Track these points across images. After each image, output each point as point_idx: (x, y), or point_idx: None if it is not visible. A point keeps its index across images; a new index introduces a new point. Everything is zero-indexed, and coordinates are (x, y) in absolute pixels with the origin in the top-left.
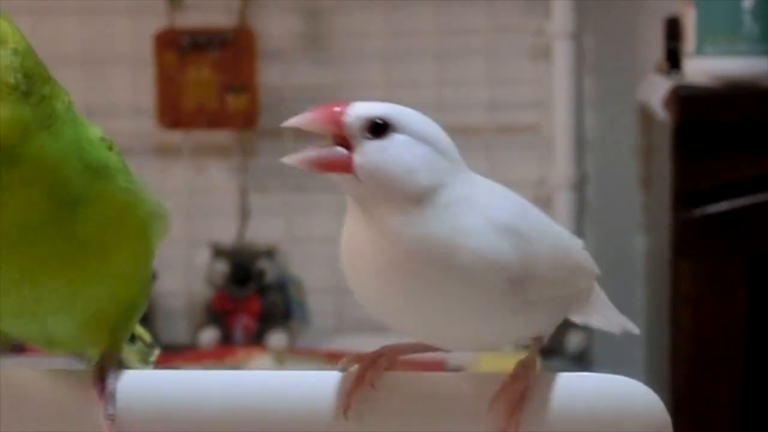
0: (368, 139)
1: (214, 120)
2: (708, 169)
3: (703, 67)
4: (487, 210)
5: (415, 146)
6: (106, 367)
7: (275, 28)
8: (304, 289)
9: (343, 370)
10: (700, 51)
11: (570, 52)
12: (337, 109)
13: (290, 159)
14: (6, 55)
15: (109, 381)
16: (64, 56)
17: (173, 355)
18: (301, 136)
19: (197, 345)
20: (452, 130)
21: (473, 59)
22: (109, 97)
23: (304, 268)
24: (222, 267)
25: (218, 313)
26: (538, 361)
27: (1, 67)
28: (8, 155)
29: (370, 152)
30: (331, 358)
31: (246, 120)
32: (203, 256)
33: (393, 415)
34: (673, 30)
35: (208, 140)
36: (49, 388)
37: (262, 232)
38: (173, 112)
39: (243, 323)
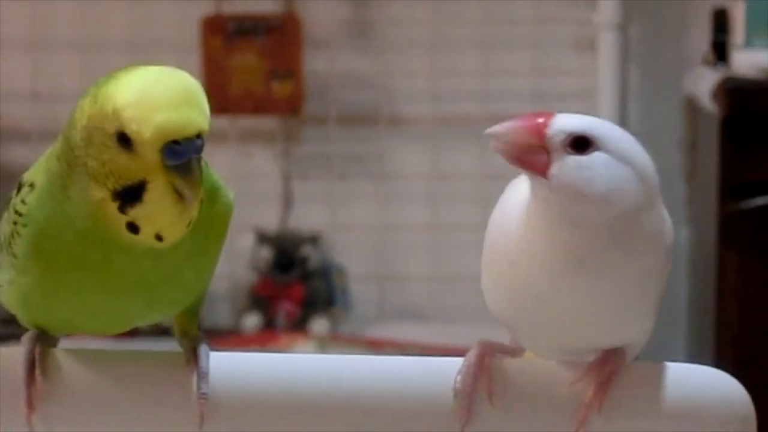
0: (569, 153)
1: (260, 106)
2: (755, 161)
3: (752, 60)
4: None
5: (615, 167)
6: (198, 348)
7: (321, 14)
8: (346, 276)
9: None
10: (749, 43)
11: (616, 43)
12: (540, 120)
13: (492, 136)
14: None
15: (203, 361)
16: (111, 41)
17: (216, 339)
18: (347, 122)
19: (240, 330)
20: (495, 121)
21: (518, 49)
22: None
23: (347, 255)
24: (266, 253)
25: (261, 299)
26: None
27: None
28: None
29: (568, 167)
30: (372, 346)
31: (291, 106)
32: (247, 242)
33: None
34: (720, 22)
35: (253, 126)
36: (141, 368)
37: (305, 218)
38: (219, 97)
39: (286, 309)
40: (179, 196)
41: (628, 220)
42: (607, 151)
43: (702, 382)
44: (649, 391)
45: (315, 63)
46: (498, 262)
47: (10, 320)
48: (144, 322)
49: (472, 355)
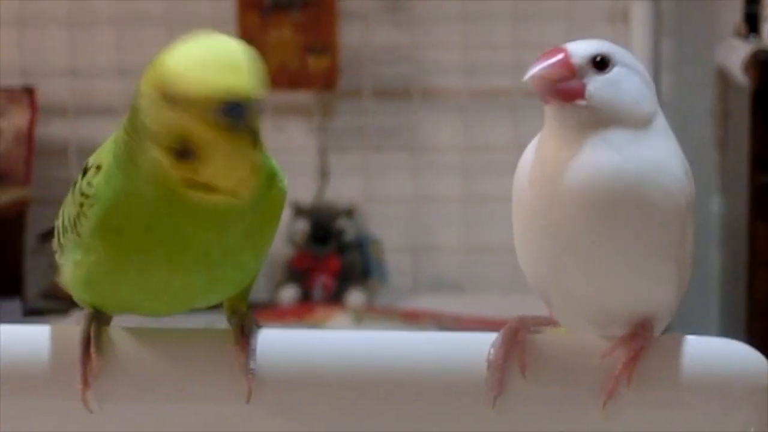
0: (595, 73)
1: (296, 80)
2: None
3: None
4: (678, 148)
5: (633, 77)
6: (247, 325)
7: None
8: (382, 248)
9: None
10: None
11: (648, 14)
12: (561, 55)
13: (530, 77)
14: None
15: (251, 338)
16: (148, 17)
17: (254, 312)
18: (381, 96)
19: (277, 302)
20: (529, 93)
21: (551, 21)
22: None
23: (383, 227)
24: (302, 226)
25: (298, 272)
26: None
27: (255, 116)
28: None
29: (601, 84)
30: (408, 317)
31: (326, 81)
32: (284, 215)
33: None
34: None
35: (289, 101)
36: (190, 345)
37: (341, 191)
38: None
39: (322, 282)
40: (238, 155)
41: (649, 121)
42: (622, 65)
43: (726, 356)
44: (675, 364)
45: (349, 37)
46: (521, 206)
47: (49, 295)
48: (202, 303)
49: (506, 329)
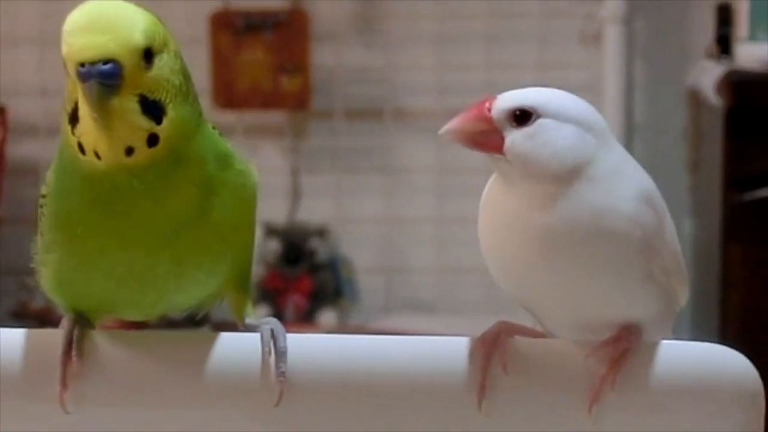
0: (514, 127)
1: (268, 101)
2: (758, 153)
3: (756, 53)
4: (634, 181)
5: (560, 128)
6: (276, 327)
7: (328, 9)
8: (353, 268)
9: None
10: (752, 37)
11: (620, 36)
12: (486, 105)
13: (444, 131)
14: (170, 58)
15: (280, 340)
16: None
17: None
18: (354, 116)
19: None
20: None
21: (524, 43)
22: None
23: (354, 247)
24: (274, 246)
25: (270, 292)
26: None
27: (168, 70)
28: (175, 155)
29: (517, 139)
30: None
31: (299, 101)
32: (256, 236)
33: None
34: (724, 15)
35: (261, 121)
36: (173, 348)
37: (313, 212)
38: (227, 92)
39: (294, 301)
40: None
41: (585, 168)
42: (547, 116)
43: (713, 360)
44: (661, 368)
45: (322, 58)
46: (487, 245)
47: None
48: (181, 295)
49: (489, 330)
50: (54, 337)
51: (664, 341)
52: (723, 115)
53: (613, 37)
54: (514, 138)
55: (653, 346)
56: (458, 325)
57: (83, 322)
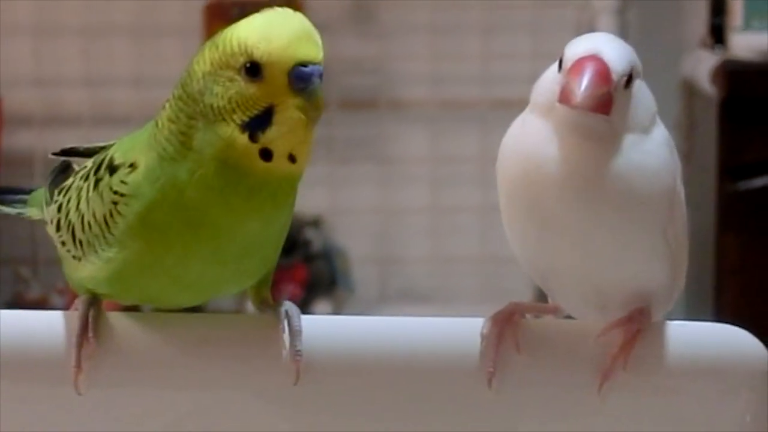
0: (623, 88)
1: None
2: (753, 142)
3: (750, 42)
4: (660, 129)
5: (642, 86)
6: (290, 309)
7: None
8: (348, 258)
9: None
10: (747, 26)
11: (614, 26)
12: (604, 67)
13: (581, 103)
14: None
15: (295, 320)
16: (115, 27)
17: None
18: (348, 107)
19: (243, 312)
20: (496, 103)
21: (518, 33)
22: (159, 68)
23: (349, 238)
24: None
25: None
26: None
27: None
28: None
29: (625, 100)
30: None
31: None
32: None
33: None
34: (717, 5)
35: None
36: (237, 331)
37: (307, 202)
38: None
39: (288, 291)
40: (305, 118)
41: (652, 124)
42: (638, 77)
43: (723, 340)
44: (672, 347)
45: None
46: (513, 185)
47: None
48: (224, 293)
49: (502, 310)
50: (62, 318)
51: (674, 322)
52: (717, 105)
53: (606, 27)
54: (623, 99)
55: (663, 326)
56: (453, 315)
57: (97, 303)
